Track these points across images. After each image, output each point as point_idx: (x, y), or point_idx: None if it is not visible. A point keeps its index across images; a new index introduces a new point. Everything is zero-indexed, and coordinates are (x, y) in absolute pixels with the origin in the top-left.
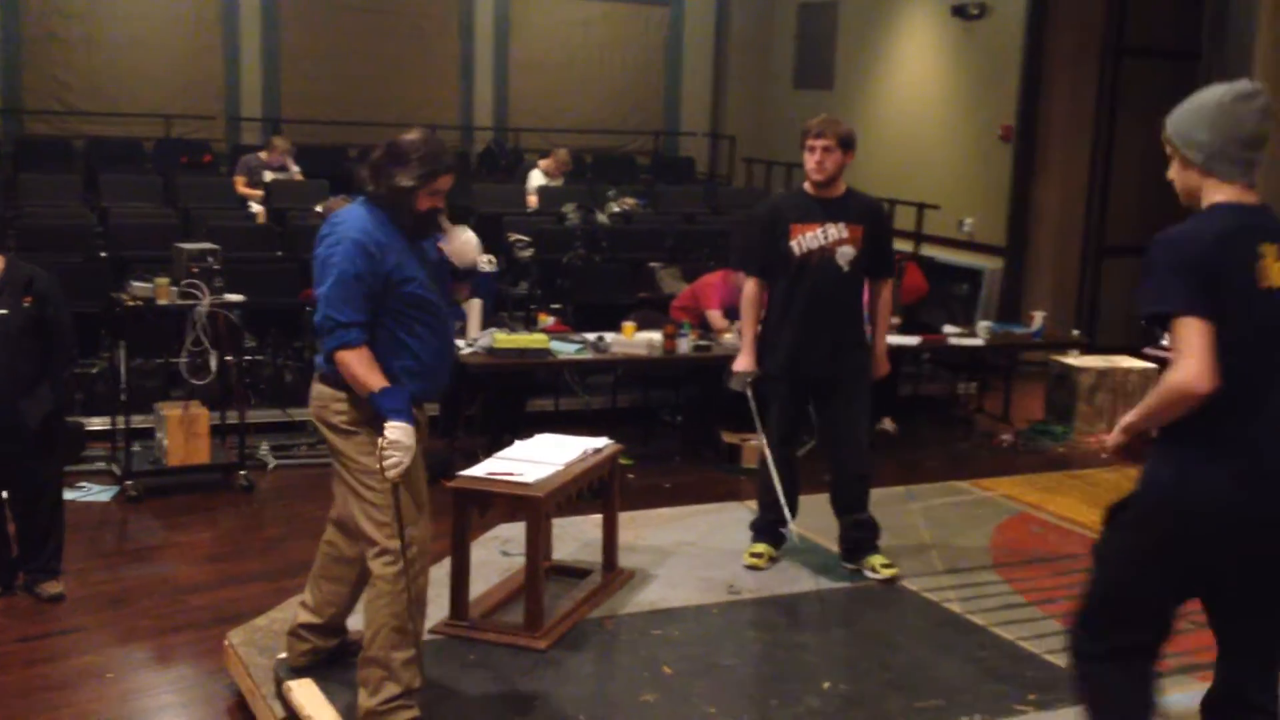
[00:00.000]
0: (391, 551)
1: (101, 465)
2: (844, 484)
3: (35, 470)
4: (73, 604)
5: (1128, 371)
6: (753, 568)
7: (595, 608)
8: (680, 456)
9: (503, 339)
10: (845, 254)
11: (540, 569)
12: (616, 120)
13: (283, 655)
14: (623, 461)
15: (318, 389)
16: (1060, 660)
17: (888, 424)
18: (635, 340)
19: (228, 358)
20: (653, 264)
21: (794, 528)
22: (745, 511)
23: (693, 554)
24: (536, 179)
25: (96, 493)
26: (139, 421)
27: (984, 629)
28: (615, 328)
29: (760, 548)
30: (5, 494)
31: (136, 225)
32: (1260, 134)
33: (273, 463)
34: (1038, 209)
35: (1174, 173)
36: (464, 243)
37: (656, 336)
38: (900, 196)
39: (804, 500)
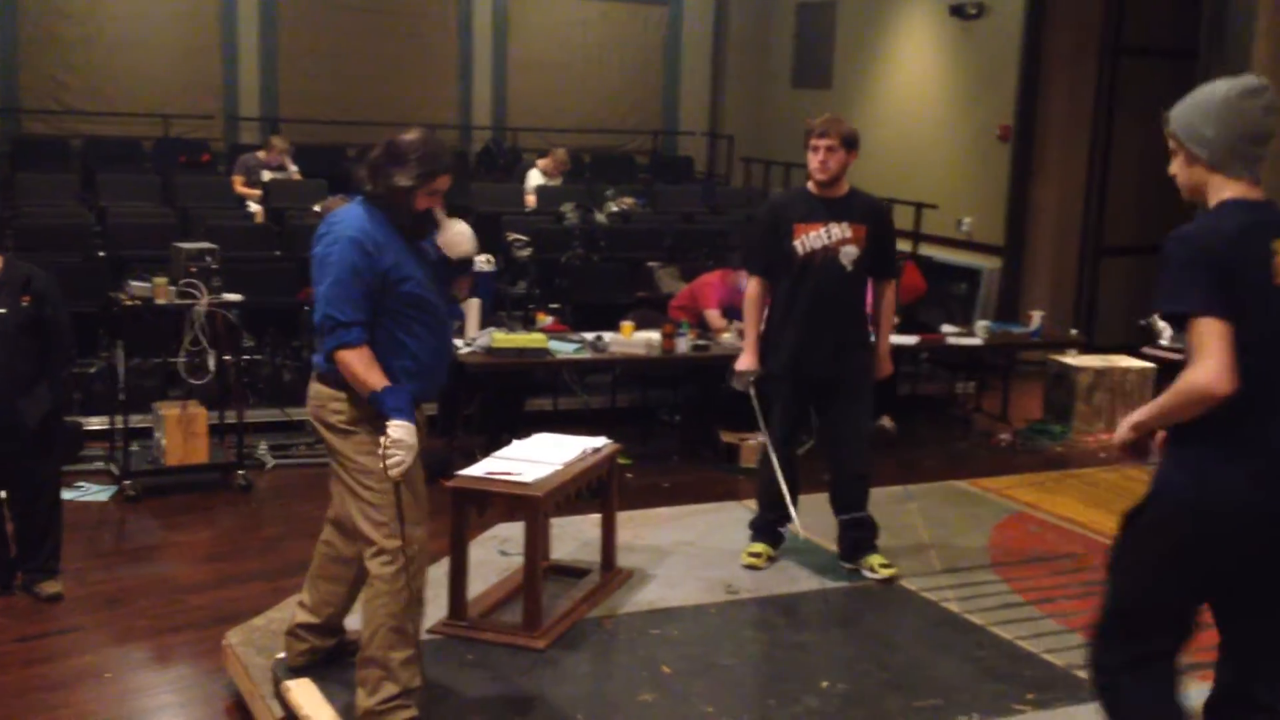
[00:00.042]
0: (389, 551)
1: (100, 465)
2: (843, 483)
3: (34, 470)
4: (71, 604)
5: (1126, 371)
6: (751, 567)
7: (594, 607)
8: (679, 456)
9: (501, 338)
10: (849, 254)
11: (538, 568)
12: (615, 120)
13: (281, 655)
14: (621, 461)
15: (315, 388)
16: (1058, 659)
17: (886, 422)
18: (634, 340)
19: (226, 357)
20: (651, 263)
21: (799, 524)
22: (744, 511)
23: (691, 553)
24: (535, 178)
25: (95, 492)
26: (137, 421)
27: (982, 628)
28: (614, 327)
29: (759, 547)
30: (4, 493)
31: (134, 225)
32: (1266, 130)
33: (271, 462)
34: (1036, 208)
35: (1177, 168)
36: (457, 234)
37: (655, 336)
38: (898, 196)
39: (803, 500)
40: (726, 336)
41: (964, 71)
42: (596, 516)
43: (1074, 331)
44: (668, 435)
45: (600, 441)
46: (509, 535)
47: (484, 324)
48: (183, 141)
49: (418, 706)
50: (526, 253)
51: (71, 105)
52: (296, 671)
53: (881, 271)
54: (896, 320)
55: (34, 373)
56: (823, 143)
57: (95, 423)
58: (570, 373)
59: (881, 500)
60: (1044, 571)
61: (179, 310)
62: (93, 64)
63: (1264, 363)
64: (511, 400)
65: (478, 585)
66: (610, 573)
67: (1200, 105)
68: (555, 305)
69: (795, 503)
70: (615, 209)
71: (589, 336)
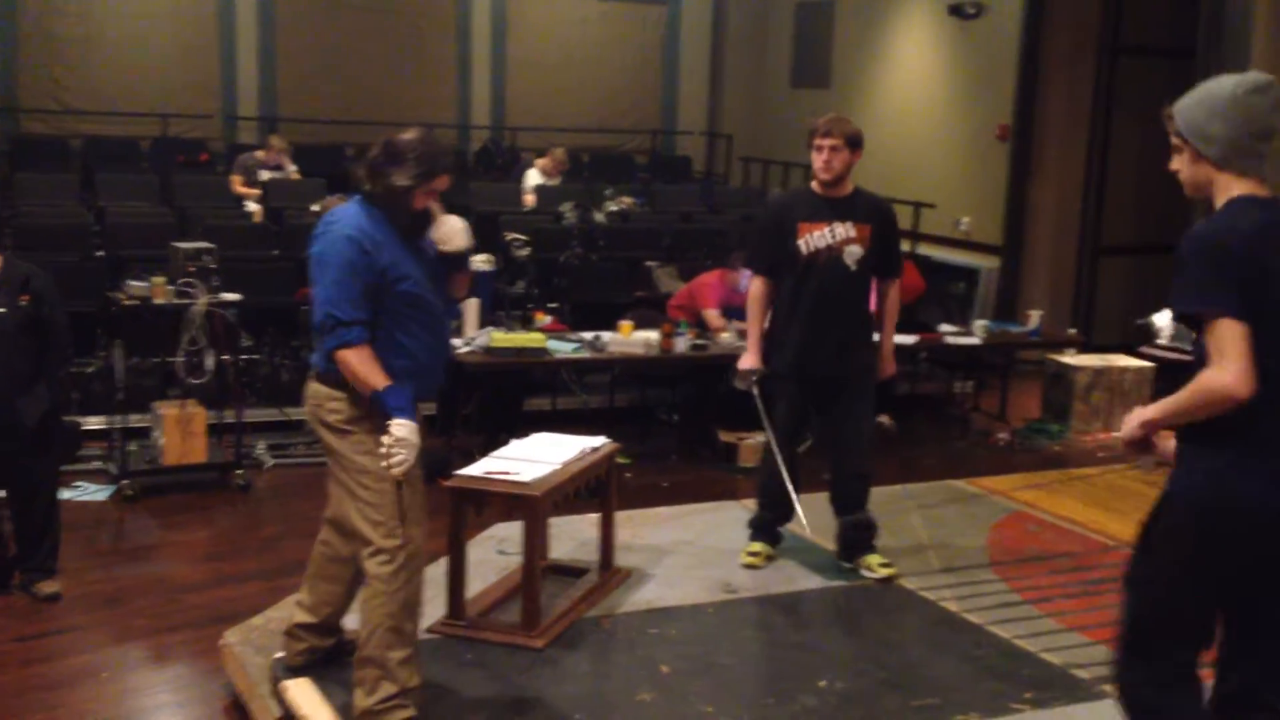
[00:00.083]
0: (387, 551)
1: (98, 464)
2: (844, 482)
3: (32, 469)
4: (69, 603)
5: (1124, 370)
6: (750, 566)
7: (592, 607)
8: (677, 455)
9: (500, 338)
10: (853, 253)
11: (537, 568)
12: (613, 119)
13: (279, 654)
14: (620, 460)
15: (313, 388)
16: (1056, 658)
17: (885, 420)
18: (632, 339)
19: (224, 357)
20: (650, 263)
21: (806, 525)
22: (742, 510)
23: (690, 553)
24: (533, 178)
25: (93, 492)
26: (135, 420)
27: (980, 628)
28: (612, 327)
29: (757, 546)
30: (2, 493)
31: (133, 224)
32: (1273, 127)
33: (269, 462)
34: (1034, 208)
35: (1181, 165)
36: (450, 228)
37: (653, 335)
38: (897, 195)
39: (803, 499)
40: (725, 336)
41: (962, 71)
42: (595, 516)
43: (1072, 331)
44: (666, 435)
45: (599, 441)
46: (507, 535)
47: (482, 323)
48: (181, 141)
49: (415, 706)
50: (525, 252)
51: (70, 105)
52: (294, 671)
53: (886, 271)
54: None
55: (32, 372)
56: (827, 142)
57: (93, 422)
58: (569, 372)
59: (880, 500)
60: (1042, 571)
61: (177, 310)
62: (91, 63)
63: (1279, 363)
64: (510, 400)
65: (476, 585)
66: (609, 572)
67: (1207, 102)
68: (554, 305)
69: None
70: (614, 208)
71: (587, 336)
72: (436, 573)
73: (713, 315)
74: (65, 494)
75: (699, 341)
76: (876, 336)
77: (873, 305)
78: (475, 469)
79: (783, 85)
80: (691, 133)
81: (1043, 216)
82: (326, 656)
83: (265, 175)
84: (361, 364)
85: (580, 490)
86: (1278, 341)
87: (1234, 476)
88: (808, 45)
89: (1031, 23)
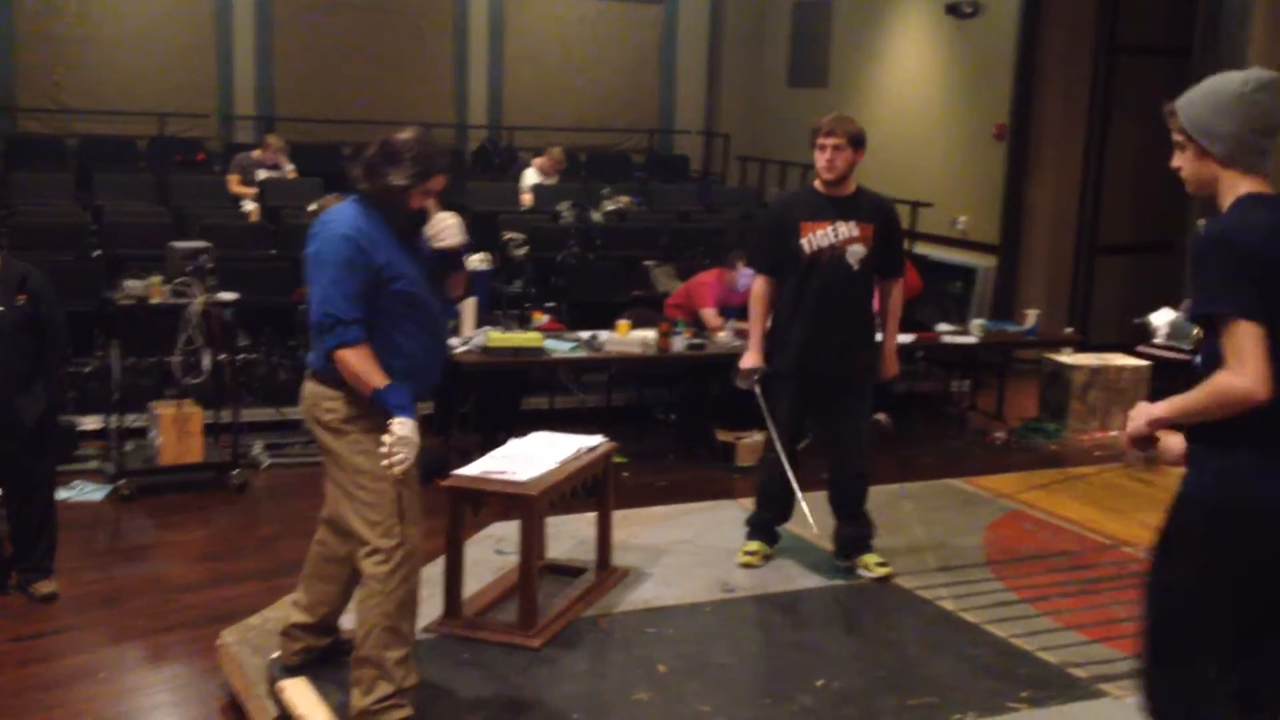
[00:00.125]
0: (383, 550)
1: (94, 464)
2: (842, 482)
3: (29, 469)
4: (66, 603)
5: (1120, 369)
6: (747, 566)
7: (589, 606)
8: (674, 455)
9: (497, 337)
10: (855, 253)
11: (534, 567)
12: (611, 118)
13: (276, 654)
14: (617, 460)
15: (309, 387)
16: (1052, 657)
17: (882, 418)
18: (630, 338)
19: (221, 356)
20: (647, 262)
21: (812, 521)
22: (739, 510)
23: (687, 552)
24: (531, 177)
25: (89, 492)
26: (132, 420)
27: (977, 627)
28: (610, 326)
29: (754, 545)
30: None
31: (130, 224)
32: (1278, 124)
33: (266, 461)
34: (1031, 207)
35: (1184, 162)
36: (443, 225)
37: (651, 335)
38: (894, 194)
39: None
40: (722, 335)
41: (959, 70)
42: (592, 515)
43: (1069, 330)
44: (663, 434)
45: (596, 440)
46: (504, 534)
47: (480, 323)
48: (178, 140)
49: (412, 706)
50: (522, 251)
51: (67, 104)
52: (291, 671)
53: (889, 271)
54: None
55: (30, 372)
56: (830, 141)
57: (90, 422)
58: (566, 371)
59: (877, 499)
60: (1039, 569)
61: (174, 309)
62: (88, 63)
63: None
64: (507, 399)
65: (473, 584)
66: (606, 571)
67: (1212, 99)
68: (551, 304)
69: (793, 501)
70: (611, 208)
71: (585, 335)
72: (433, 572)
73: (710, 314)
74: (62, 494)
75: (696, 341)
76: (879, 336)
77: (874, 305)
78: (472, 468)
79: (780, 84)
80: (689, 132)
81: (1040, 215)
82: (323, 656)
83: (262, 174)
84: (360, 363)
85: (577, 490)
86: None
87: (1247, 477)
88: (805, 45)
89: (1028, 22)
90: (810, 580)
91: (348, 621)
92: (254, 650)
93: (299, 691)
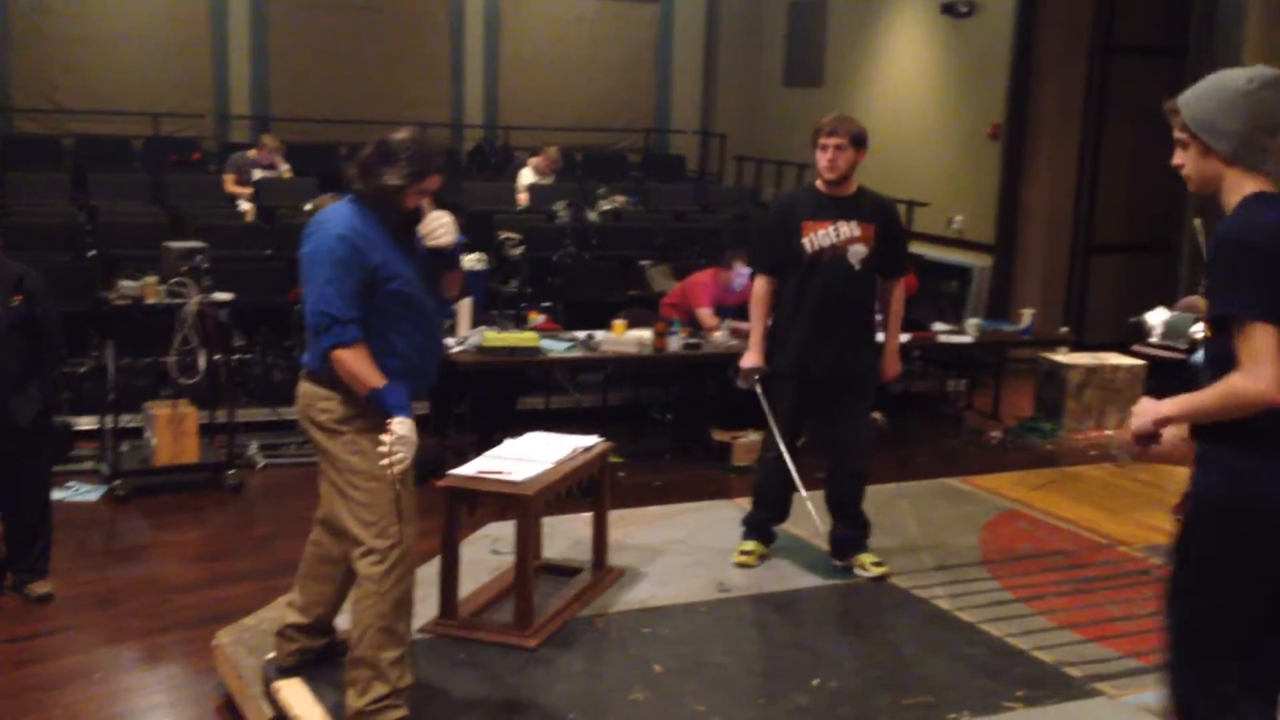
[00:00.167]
0: (378, 551)
1: (90, 465)
2: (839, 481)
3: (24, 469)
4: (61, 604)
5: (1116, 368)
6: (743, 565)
7: (585, 606)
8: (670, 454)
9: (493, 337)
10: (857, 252)
11: (530, 567)
12: (607, 118)
13: (271, 655)
14: (613, 460)
15: (304, 387)
16: (1048, 656)
17: (876, 416)
18: (625, 338)
19: (216, 356)
20: (643, 262)
21: (814, 511)
22: (735, 509)
23: (683, 552)
24: (527, 177)
25: (84, 492)
26: (127, 421)
27: (972, 626)
28: (605, 326)
29: (750, 545)
30: None
31: (125, 224)
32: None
33: (261, 462)
34: (1027, 207)
35: (1186, 160)
36: (437, 223)
37: (647, 334)
38: (890, 194)
39: (796, 498)
40: (718, 335)
41: (955, 70)
42: (588, 515)
43: (1064, 329)
44: (659, 434)
45: (592, 440)
46: (500, 534)
47: (476, 322)
48: (173, 140)
49: (408, 706)
50: (518, 251)
51: (62, 104)
52: (287, 671)
53: (890, 271)
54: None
55: (25, 372)
56: (831, 141)
57: (85, 422)
58: (562, 371)
59: (873, 498)
60: (1034, 569)
61: (169, 309)
62: (83, 62)
63: None
64: (503, 399)
65: (469, 584)
66: (602, 571)
67: (1218, 96)
68: (547, 304)
69: (790, 500)
70: (607, 207)
71: (581, 335)
72: (429, 572)
73: (706, 314)
74: (57, 494)
75: (692, 340)
76: (880, 337)
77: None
78: (468, 468)
79: (776, 84)
80: (685, 132)
81: (1035, 215)
82: (318, 657)
83: (258, 174)
84: (358, 363)
85: (573, 489)
86: None
87: (1259, 477)
88: (801, 44)
89: (1024, 22)
90: (806, 580)
91: (343, 622)
92: (249, 651)
93: (294, 692)
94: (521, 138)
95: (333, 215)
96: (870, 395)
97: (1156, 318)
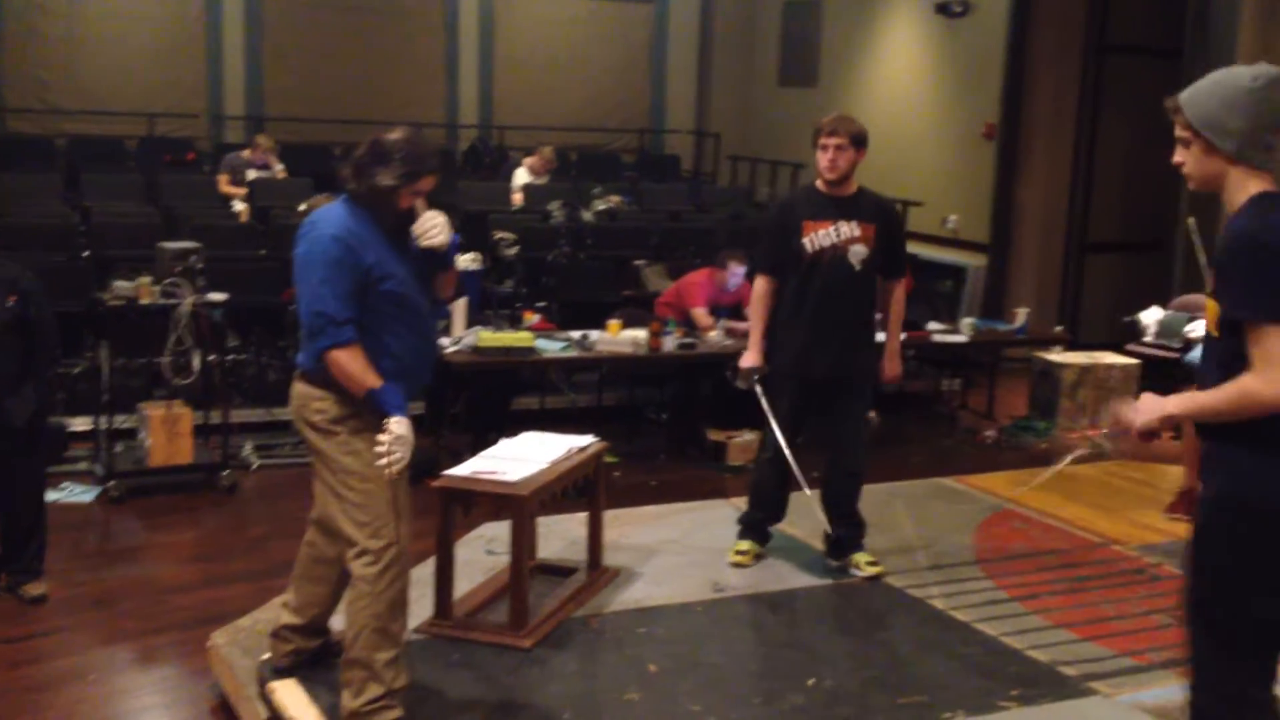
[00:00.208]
0: (372, 552)
1: (84, 466)
2: (836, 480)
3: (19, 470)
4: (55, 605)
5: (1110, 367)
6: (738, 565)
7: (580, 606)
8: (665, 454)
9: (487, 337)
10: (857, 253)
11: (525, 568)
12: (601, 118)
13: (266, 656)
14: (608, 459)
15: (298, 388)
16: (1042, 655)
17: (871, 415)
18: (620, 338)
19: (211, 357)
20: (638, 262)
21: (818, 508)
22: (730, 509)
23: (678, 552)
24: (521, 177)
25: (79, 493)
26: (122, 421)
27: (967, 625)
28: (600, 325)
29: (745, 545)
30: None
31: (119, 224)
32: None
33: (256, 462)
34: (1021, 206)
35: (1188, 158)
36: (430, 223)
37: (641, 334)
38: (884, 193)
39: (792, 498)
40: (713, 335)
41: (949, 69)
42: (583, 515)
43: (1059, 328)
44: (654, 433)
45: (587, 440)
46: (495, 534)
47: (470, 323)
48: (167, 140)
49: (403, 707)
50: (513, 251)
51: (55, 104)
52: (281, 672)
53: (891, 271)
54: (879, 316)
55: (19, 373)
56: (832, 141)
57: (80, 423)
58: (557, 371)
59: (868, 498)
60: (1029, 568)
61: (164, 310)
62: (76, 62)
63: None
64: (498, 399)
65: (464, 585)
66: (597, 571)
67: (1222, 94)
68: (542, 304)
69: (786, 500)
70: (602, 207)
71: (575, 335)
72: (424, 573)
73: (700, 314)
74: (52, 495)
75: (687, 340)
76: (880, 337)
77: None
78: (463, 469)
79: (770, 84)
80: (679, 131)
81: (1029, 214)
82: (313, 658)
83: (252, 174)
84: (354, 363)
85: (568, 489)
86: None
87: (1268, 478)
88: (795, 44)
89: (1018, 21)
90: (801, 579)
91: (338, 623)
92: (244, 652)
93: (289, 693)
94: (516, 138)
95: (326, 216)
96: (869, 395)
97: (1151, 317)
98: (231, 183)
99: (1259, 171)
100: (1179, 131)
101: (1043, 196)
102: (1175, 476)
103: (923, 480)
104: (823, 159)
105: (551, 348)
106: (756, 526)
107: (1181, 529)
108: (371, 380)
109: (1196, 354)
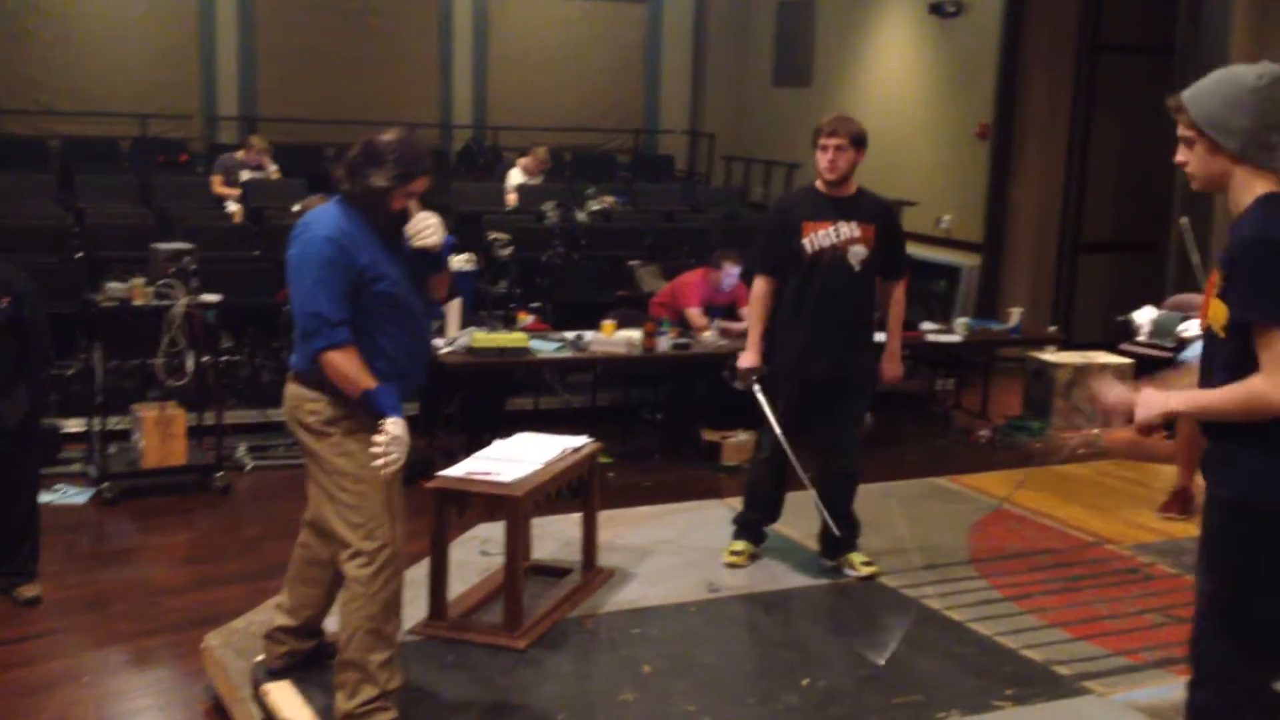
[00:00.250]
0: (365, 553)
1: (77, 467)
2: (832, 480)
3: (12, 472)
4: (49, 607)
5: (1104, 367)
6: (733, 565)
7: (575, 607)
8: (660, 455)
9: (482, 338)
10: (857, 253)
11: (519, 568)
12: (595, 118)
13: (260, 657)
14: (602, 460)
15: (291, 389)
16: (1036, 655)
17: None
18: (615, 338)
19: (204, 358)
20: (632, 262)
21: (821, 507)
22: (725, 509)
23: (672, 552)
24: (516, 177)
25: (72, 495)
26: (115, 423)
27: (961, 625)
28: (595, 326)
29: (740, 545)
30: None
31: (112, 225)
32: None
33: (250, 464)
34: (1015, 206)
35: (1192, 157)
36: (423, 224)
37: (636, 335)
38: (878, 193)
39: (788, 498)
40: (707, 335)
41: (943, 69)
42: (577, 516)
43: (1052, 328)
44: (649, 434)
45: (581, 440)
46: (490, 535)
47: (465, 323)
48: (161, 141)
49: (397, 708)
50: (507, 252)
51: (48, 105)
52: (275, 674)
53: (890, 272)
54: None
55: (12, 374)
56: (832, 141)
57: (73, 425)
58: (551, 372)
59: (862, 498)
60: (1023, 568)
61: (157, 311)
62: (70, 63)
63: None
64: (492, 400)
65: (458, 586)
66: (591, 572)
67: (1226, 93)
68: (536, 304)
69: (782, 500)
70: (596, 207)
71: (570, 335)
72: (418, 574)
73: (695, 314)
74: (45, 497)
75: (681, 340)
76: (879, 337)
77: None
78: (457, 469)
79: (764, 84)
80: (673, 132)
81: (1023, 214)
82: (307, 659)
83: (246, 175)
84: (348, 364)
85: (563, 490)
86: None
87: (1273, 477)
88: (789, 44)
89: (1011, 21)
90: (796, 580)
91: (332, 624)
92: (238, 654)
93: (283, 695)
94: (510, 138)
95: (320, 216)
96: (869, 396)
97: (1144, 316)
98: (225, 184)
99: (1264, 171)
100: (1182, 131)
101: (1036, 196)
102: (1168, 476)
103: (917, 480)
104: (822, 159)
105: (546, 348)
106: (751, 527)
107: (1175, 528)
108: (366, 381)
109: (1189, 353)
